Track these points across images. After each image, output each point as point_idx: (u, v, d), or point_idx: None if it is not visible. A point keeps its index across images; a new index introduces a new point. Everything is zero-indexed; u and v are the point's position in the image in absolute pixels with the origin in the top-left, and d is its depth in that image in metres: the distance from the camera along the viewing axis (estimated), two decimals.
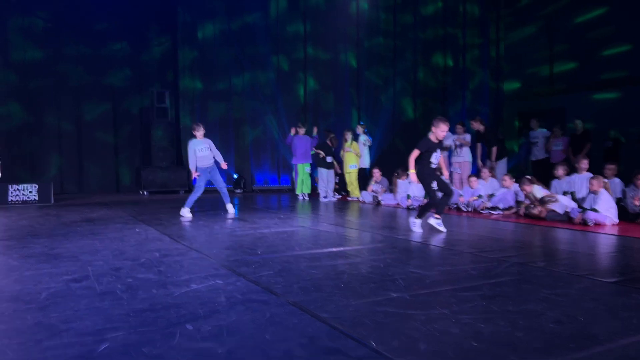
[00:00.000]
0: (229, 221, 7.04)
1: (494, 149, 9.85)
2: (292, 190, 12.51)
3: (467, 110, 15.31)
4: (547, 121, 11.14)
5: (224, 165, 7.72)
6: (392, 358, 2.14)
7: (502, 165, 9.88)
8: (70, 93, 12.68)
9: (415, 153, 5.80)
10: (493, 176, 8.83)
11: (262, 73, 13.66)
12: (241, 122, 13.61)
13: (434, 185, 5.81)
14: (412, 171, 5.80)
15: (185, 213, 7.47)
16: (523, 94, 14.92)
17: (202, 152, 7.60)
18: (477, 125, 10.15)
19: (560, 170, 7.86)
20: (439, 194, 5.90)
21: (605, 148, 11.24)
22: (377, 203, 9.73)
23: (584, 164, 7.60)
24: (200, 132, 7.63)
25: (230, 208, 7.91)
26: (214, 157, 7.73)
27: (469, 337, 2.38)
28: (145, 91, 13.28)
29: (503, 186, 8.16)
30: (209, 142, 7.72)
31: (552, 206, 6.98)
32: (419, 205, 6.06)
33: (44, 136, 12.45)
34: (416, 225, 5.89)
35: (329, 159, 10.93)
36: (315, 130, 11.74)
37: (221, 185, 7.89)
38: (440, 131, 5.77)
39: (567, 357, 2.15)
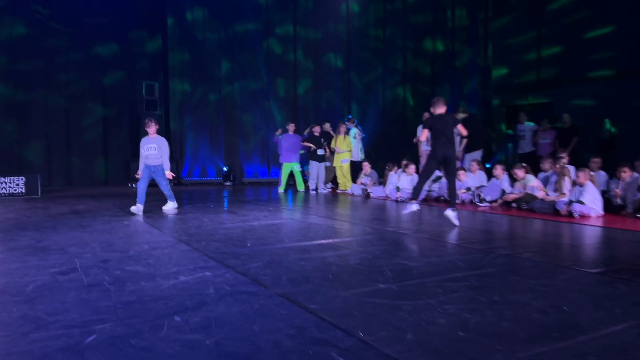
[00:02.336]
0: (218, 214, 7.02)
1: (465, 141, 9.71)
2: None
3: (456, 96, 15.33)
4: (535, 114, 11.16)
5: (169, 175, 7.10)
6: (379, 348, 2.16)
7: (474, 155, 9.79)
8: (58, 85, 12.51)
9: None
10: (481, 169, 8.87)
11: (253, 62, 13.58)
12: (231, 114, 13.56)
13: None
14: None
15: (135, 210, 6.91)
16: (511, 81, 14.92)
17: (148, 151, 7.04)
18: (459, 116, 10.08)
19: (546, 164, 7.94)
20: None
21: (602, 140, 10.89)
22: (367, 195, 9.75)
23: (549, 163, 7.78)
24: (152, 129, 7.08)
25: (172, 205, 7.33)
26: (160, 159, 7.10)
27: (455, 327, 2.41)
28: (135, 83, 13.13)
29: (494, 175, 8.19)
30: (159, 142, 7.09)
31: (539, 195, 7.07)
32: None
33: (30, 128, 12.27)
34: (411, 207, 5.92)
35: (320, 152, 10.93)
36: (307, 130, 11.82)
37: (165, 188, 7.22)
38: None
39: (553, 346, 2.19)
